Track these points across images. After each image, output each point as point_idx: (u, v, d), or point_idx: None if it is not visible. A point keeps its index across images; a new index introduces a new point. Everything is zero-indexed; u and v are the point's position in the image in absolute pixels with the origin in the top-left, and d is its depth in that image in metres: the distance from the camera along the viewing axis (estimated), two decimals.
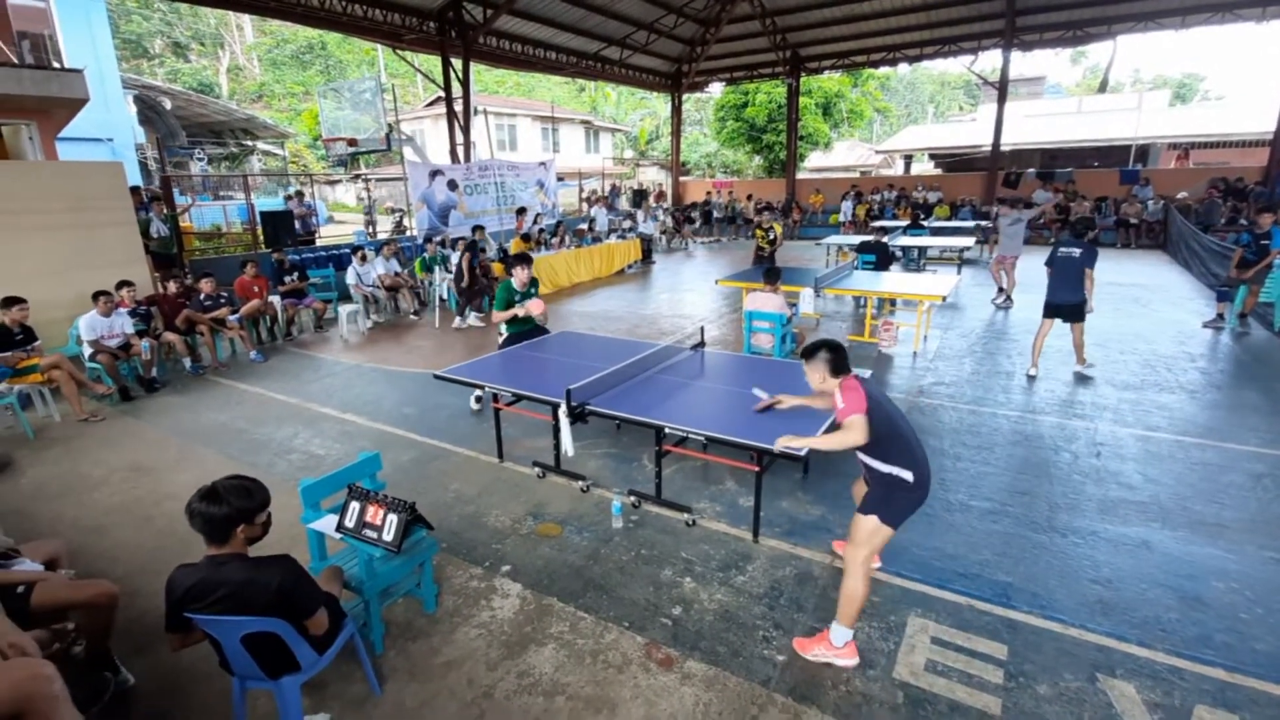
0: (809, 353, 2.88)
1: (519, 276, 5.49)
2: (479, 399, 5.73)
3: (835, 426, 2.77)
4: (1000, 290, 9.63)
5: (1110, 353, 6.93)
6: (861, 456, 2.80)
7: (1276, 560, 3.38)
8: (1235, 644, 2.79)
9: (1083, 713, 2.47)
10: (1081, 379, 6.17)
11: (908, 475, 2.66)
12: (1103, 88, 30.37)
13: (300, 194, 12.09)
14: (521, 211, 12.95)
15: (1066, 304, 6.14)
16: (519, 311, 5.44)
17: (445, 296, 10.13)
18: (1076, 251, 6.07)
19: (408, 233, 13.19)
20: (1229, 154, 21.40)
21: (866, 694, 2.58)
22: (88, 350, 6.32)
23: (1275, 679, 2.60)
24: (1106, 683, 2.60)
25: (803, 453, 3.11)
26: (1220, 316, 7.89)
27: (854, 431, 2.63)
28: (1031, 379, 6.23)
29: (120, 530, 3.95)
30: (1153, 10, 14.93)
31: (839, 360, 2.80)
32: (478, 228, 11.12)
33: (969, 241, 11.90)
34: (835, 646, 2.71)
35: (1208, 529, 3.67)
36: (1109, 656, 2.74)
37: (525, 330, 5.60)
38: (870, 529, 2.71)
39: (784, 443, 3.01)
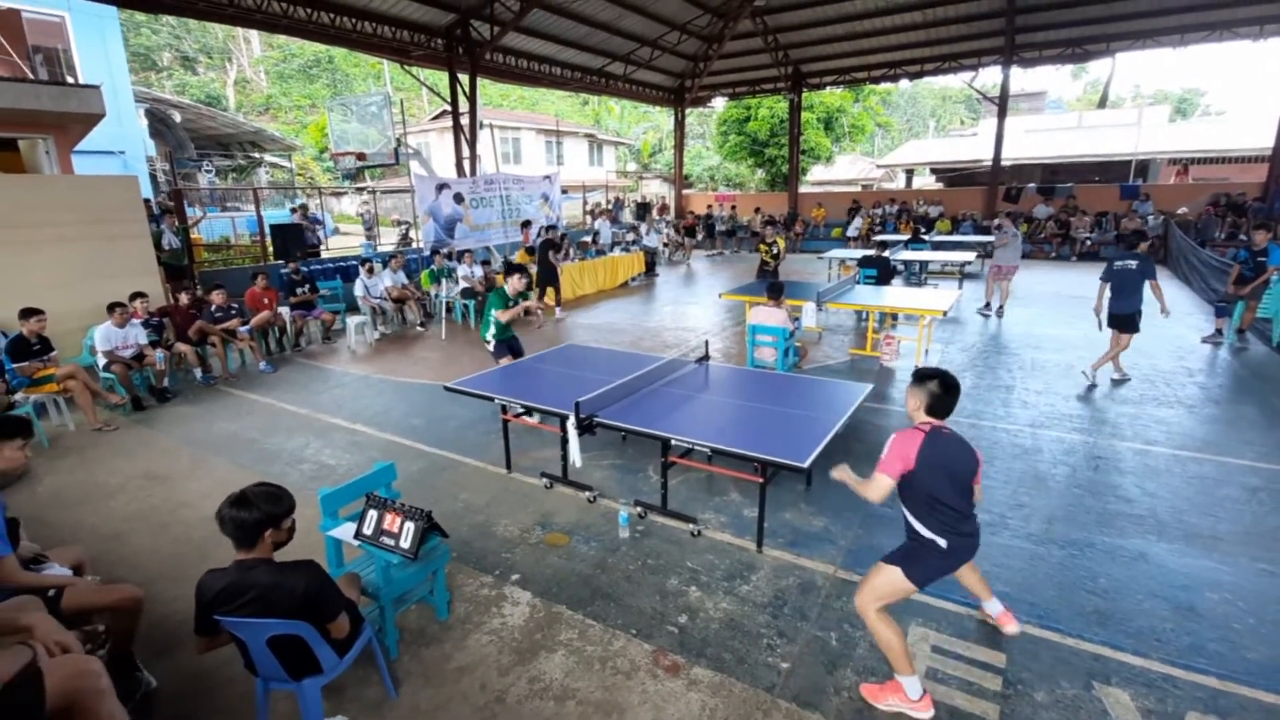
0: (920, 376, 2.67)
1: (513, 284, 5.82)
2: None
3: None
4: (987, 304, 9.87)
5: (1110, 367, 7.00)
6: (902, 505, 2.67)
7: (1269, 572, 3.45)
8: (1227, 653, 2.86)
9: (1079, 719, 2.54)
10: (1084, 396, 6.25)
11: (942, 542, 2.55)
12: (1103, 103, 30.61)
13: (304, 207, 12.28)
14: (527, 224, 13.12)
15: (1122, 314, 6.32)
16: (513, 314, 5.81)
17: (452, 308, 10.25)
18: (1133, 264, 6.26)
19: (414, 245, 13.35)
20: (1229, 169, 21.57)
21: (869, 701, 2.65)
22: (102, 360, 6.43)
23: (1266, 687, 2.67)
24: (1102, 690, 2.67)
25: (805, 464, 3.20)
26: (1219, 332, 7.98)
27: (872, 490, 2.56)
28: (1120, 382, 6.47)
29: (138, 537, 4.04)
30: (1151, 28, 15.15)
31: (943, 402, 2.60)
32: (550, 227, 12.22)
33: (970, 256, 12.02)
34: (910, 699, 2.56)
35: (1203, 541, 3.74)
36: (1105, 665, 2.81)
37: (509, 337, 6.00)
38: (891, 581, 2.59)
39: (836, 473, 2.82)
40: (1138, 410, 5.78)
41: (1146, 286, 6.26)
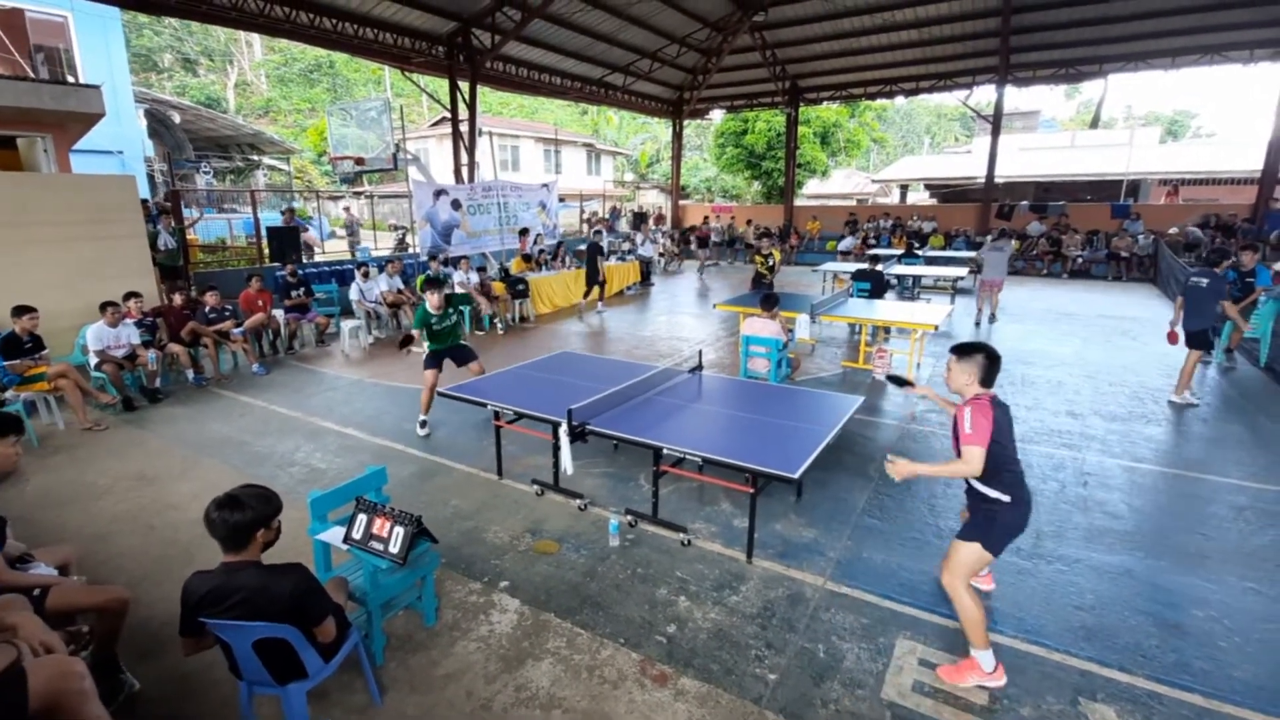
0: (965, 350, 2.82)
1: (431, 300, 5.66)
2: (423, 424, 5.77)
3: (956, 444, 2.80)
4: (979, 311, 10.45)
5: (1099, 384, 7.08)
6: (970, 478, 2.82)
7: (1255, 590, 3.47)
8: (1213, 671, 2.88)
9: None
10: (1074, 413, 6.29)
11: (1005, 497, 2.73)
12: (1095, 123, 31.03)
13: (291, 211, 12.28)
14: (524, 232, 13.17)
15: (1191, 331, 6.39)
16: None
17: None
18: (1205, 281, 6.33)
19: (410, 250, 13.37)
20: (1218, 190, 21.88)
21: (855, 713, 2.65)
22: (93, 360, 6.40)
23: (1252, 706, 2.68)
24: (1088, 707, 2.68)
25: (795, 475, 3.22)
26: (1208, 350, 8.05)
27: (972, 464, 2.67)
28: (1189, 407, 6.39)
29: (124, 538, 4.01)
30: (1142, 51, 15.40)
31: (991, 371, 2.78)
32: (597, 231, 12.87)
33: (963, 271, 12.12)
34: (986, 671, 2.76)
35: (1189, 559, 3.77)
36: (1091, 681, 2.82)
37: (446, 347, 5.85)
38: (972, 556, 2.78)
39: (898, 470, 2.85)
40: (1126, 427, 5.82)
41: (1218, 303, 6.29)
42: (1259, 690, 2.76)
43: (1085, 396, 6.65)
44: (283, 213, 12.64)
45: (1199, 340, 6.39)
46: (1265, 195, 15.18)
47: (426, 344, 5.79)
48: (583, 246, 15.32)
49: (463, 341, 6.06)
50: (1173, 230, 15.68)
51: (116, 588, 2.72)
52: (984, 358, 2.77)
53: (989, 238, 10.35)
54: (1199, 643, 3.06)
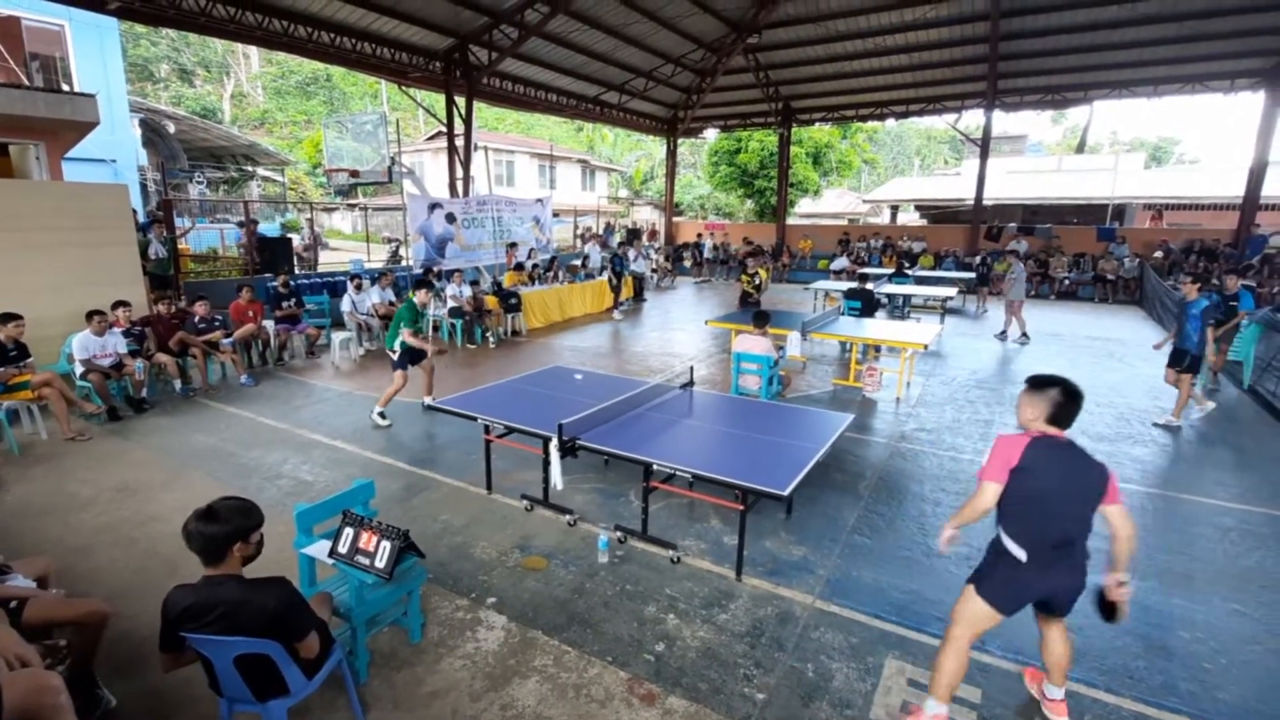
0: (1040, 384, 2.50)
1: (420, 296, 6.28)
2: (382, 415, 6.28)
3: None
4: (1004, 331, 10.96)
5: (1086, 405, 7.09)
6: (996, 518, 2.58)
7: (1240, 612, 3.49)
8: (1199, 692, 2.89)
9: None
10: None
11: (1020, 554, 2.43)
12: (1081, 148, 31.62)
13: (255, 222, 12.26)
14: (513, 246, 13.23)
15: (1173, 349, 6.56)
16: (418, 343, 6.29)
17: (439, 326, 10.23)
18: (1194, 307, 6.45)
19: (404, 262, 13.37)
20: (1201, 215, 22.27)
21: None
22: (79, 369, 6.33)
23: None
24: None
25: (785, 492, 3.22)
26: None
27: (981, 496, 2.46)
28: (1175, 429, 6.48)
29: (105, 551, 3.94)
30: (1127, 79, 15.77)
31: (1064, 410, 2.45)
32: (622, 243, 13.60)
33: (952, 291, 12.26)
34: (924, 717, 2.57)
35: (1175, 580, 3.79)
36: (1078, 702, 2.82)
37: (419, 349, 6.37)
38: (969, 601, 2.52)
39: (943, 541, 2.68)
40: (1113, 448, 5.87)
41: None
42: (1244, 712, 2.77)
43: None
44: (250, 222, 12.56)
45: (1176, 359, 6.58)
46: (1247, 220, 15.48)
47: (399, 345, 6.15)
48: (576, 261, 15.44)
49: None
50: (1157, 254, 15.95)
51: (95, 601, 2.67)
52: (1059, 393, 2.44)
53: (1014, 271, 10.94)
54: (1185, 664, 3.07)
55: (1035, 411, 2.49)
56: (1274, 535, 4.22)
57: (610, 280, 13.26)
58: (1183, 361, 6.51)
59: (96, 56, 13.85)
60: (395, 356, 6.26)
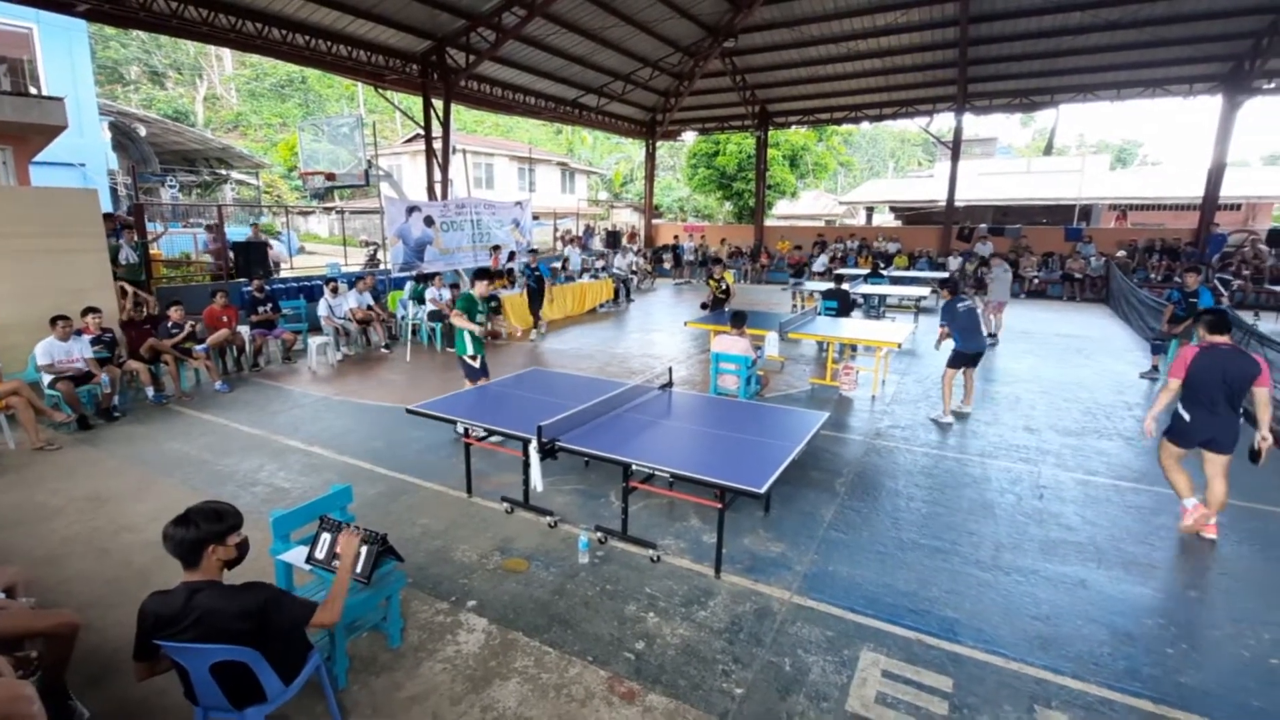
0: (1202, 318, 4.28)
1: (479, 289, 5.95)
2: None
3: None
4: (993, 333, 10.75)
5: (1054, 400, 7.32)
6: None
7: (1200, 599, 3.62)
8: (1161, 677, 2.99)
9: None
10: (1030, 428, 6.50)
11: (1186, 416, 4.15)
12: (1048, 150, 32.33)
13: (219, 225, 12.09)
14: (496, 249, 13.17)
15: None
16: (481, 331, 5.85)
17: (418, 330, 10.16)
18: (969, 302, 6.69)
19: (382, 266, 13.25)
20: (1164, 215, 22.93)
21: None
22: (47, 377, 6.19)
23: (1199, 710, 2.79)
24: (1043, 714, 2.76)
25: (762, 490, 3.27)
26: (1155, 368, 8.41)
27: (1168, 389, 4.20)
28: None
29: (76, 561, 3.87)
30: (1090, 83, 16.21)
31: (1216, 327, 4.10)
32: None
33: (925, 291, 12.48)
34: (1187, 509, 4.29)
35: (1139, 568, 3.91)
36: (1046, 689, 2.91)
37: (485, 355, 6.04)
38: (1162, 447, 4.36)
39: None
40: (1080, 441, 6.03)
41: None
42: (1204, 695, 2.87)
43: (1041, 412, 6.88)
44: (216, 226, 12.36)
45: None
46: (1206, 220, 15.98)
47: (471, 348, 5.83)
48: (556, 264, 15.41)
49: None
50: (1120, 254, 16.38)
51: (66, 612, 2.63)
52: (1211, 319, 4.21)
53: (995, 270, 10.89)
54: (1148, 650, 3.18)
55: (1204, 332, 4.17)
56: (1231, 524, 4.38)
57: (528, 290, 11.22)
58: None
59: (65, 59, 13.54)
60: (475, 364, 5.86)
